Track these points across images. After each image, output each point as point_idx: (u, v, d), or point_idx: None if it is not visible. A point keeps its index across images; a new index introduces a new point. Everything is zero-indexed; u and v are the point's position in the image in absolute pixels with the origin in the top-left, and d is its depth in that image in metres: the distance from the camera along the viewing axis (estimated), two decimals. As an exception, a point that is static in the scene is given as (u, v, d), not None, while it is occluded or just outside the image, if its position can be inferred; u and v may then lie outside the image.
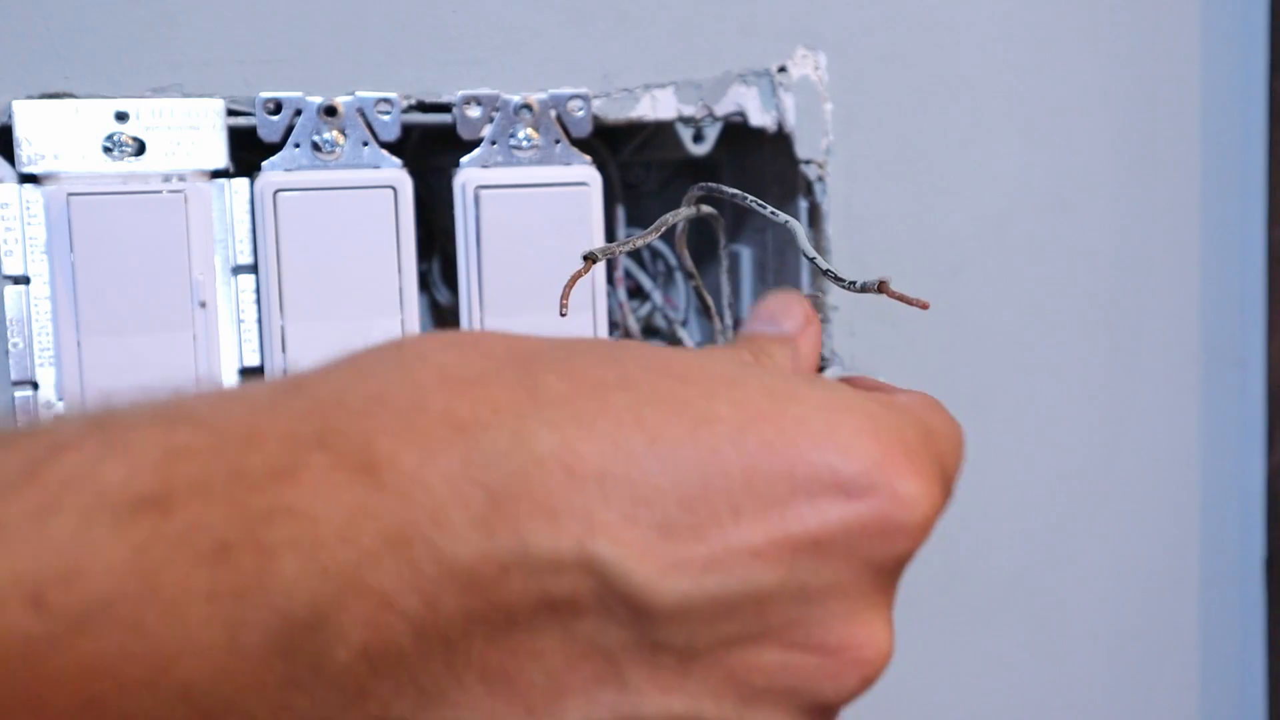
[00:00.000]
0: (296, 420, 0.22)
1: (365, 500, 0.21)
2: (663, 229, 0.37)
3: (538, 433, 0.22)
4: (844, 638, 0.24)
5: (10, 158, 0.47)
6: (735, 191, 0.37)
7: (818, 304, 0.58)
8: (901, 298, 0.32)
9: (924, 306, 0.32)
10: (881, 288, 0.32)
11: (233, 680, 0.20)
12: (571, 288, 0.33)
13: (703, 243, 0.63)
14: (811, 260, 0.35)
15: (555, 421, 0.23)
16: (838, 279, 0.34)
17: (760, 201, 0.37)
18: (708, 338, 0.62)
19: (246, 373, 0.50)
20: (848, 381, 0.32)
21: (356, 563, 0.20)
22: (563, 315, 0.33)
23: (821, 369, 0.59)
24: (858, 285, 0.33)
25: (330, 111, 0.49)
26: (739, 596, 0.23)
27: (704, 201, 0.40)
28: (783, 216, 0.36)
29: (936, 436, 0.26)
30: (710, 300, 0.47)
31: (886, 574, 0.25)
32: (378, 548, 0.21)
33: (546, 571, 0.22)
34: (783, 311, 0.32)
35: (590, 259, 0.34)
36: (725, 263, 0.46)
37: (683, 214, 0.39)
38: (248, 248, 0.49)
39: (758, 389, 0.24)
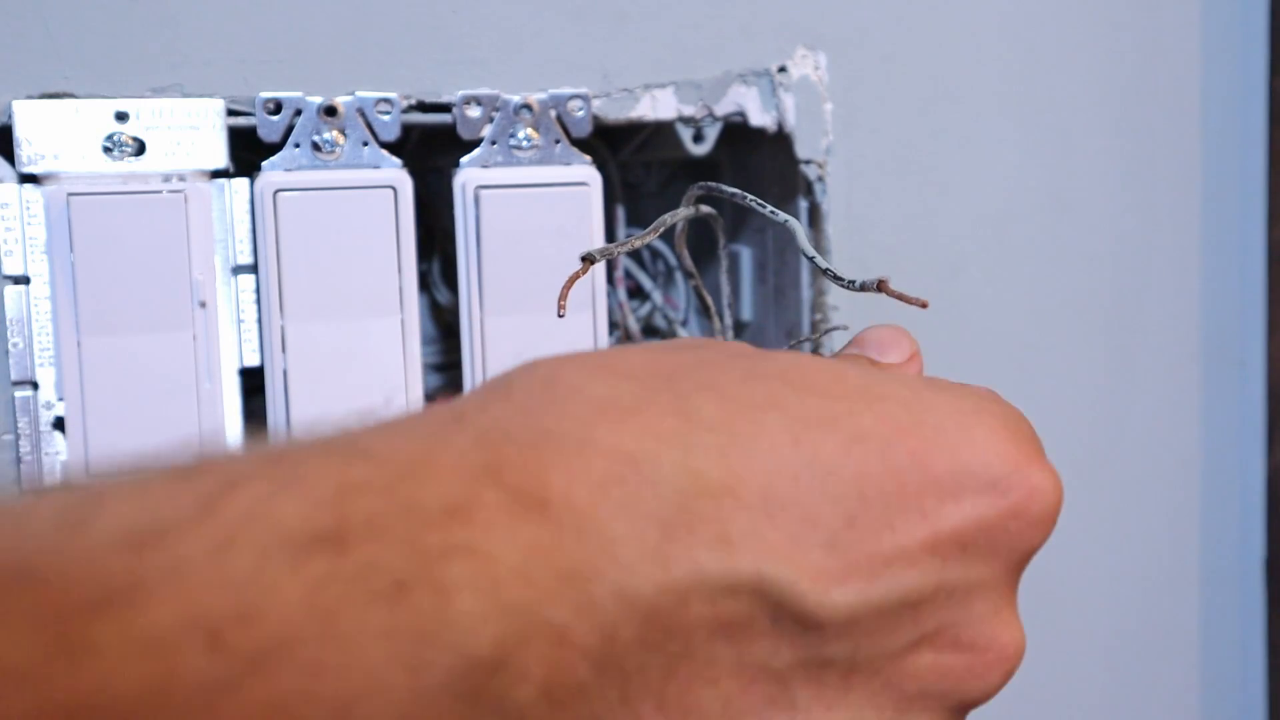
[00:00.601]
0: (466, 454, 0.22)
1: (541, 537, 0.21)
2: (661, 229, 0.37)
3: (702, 460, 0.23)
4: (989, 635, 0.26)
5: (10, 158, 0.47)
6: (735, 191, 0.37)
7: (817, 305, 0.58)
8: (901, 296, 0.32)
9: (923, 305, 0.32)
10: (881, 287, 0.32)
11: None
12: (569, 289, 0.33)
13: (702, 242, 0.63)
14: (811, 259, 0.35)
15: (716, 447, 0.23)
16: (837, 278, 0.34)
17: (760, 201, 0.37)
18: (707, 337, 0.62)
19: (246, 373, 0.50)
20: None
21: (536, 600, 0.20)
22: (560, 316, 0.33)
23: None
24: (857, 284, 0.33)
25: (330, 111, 0.49)
26: (898, 604, 0.24)
27: (703, 201, 0.40)
28: (782, 216, 0.36)
29: (1029, 423, 0.28)
30: (710, 300, 0.47)
31: (1019, 567, 0.26)
32: (556, 585, 0.21)
33: (722, 597, 0.22)
34: (890, 342, 0.33)
35: (588, 260, 0.34)
36: (725, 262, 0.46)
37: (681, 214, 0.39)
38: (248, 248, 0.49)
39: (896, 401, 0.25)
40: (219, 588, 0.18)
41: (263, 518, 0.19)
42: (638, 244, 0.36)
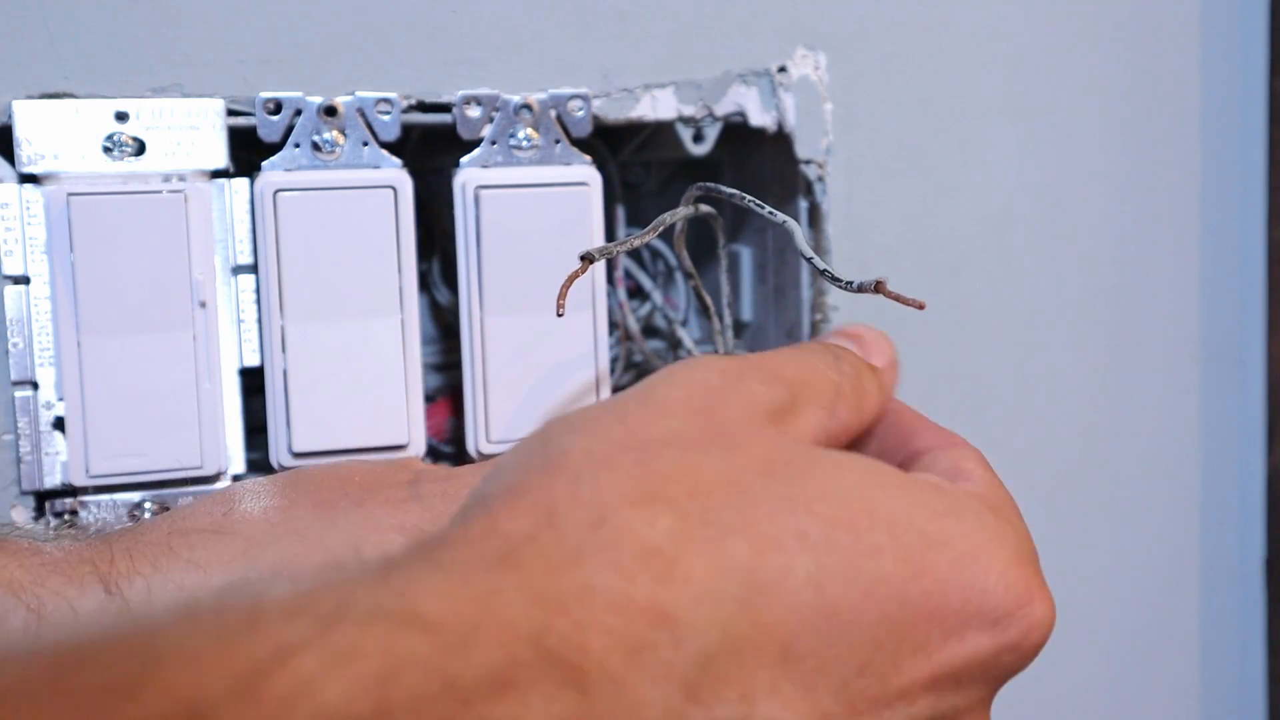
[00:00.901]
0: (515, 611, 0.22)
1: (576, 709, 0.22)
2: (660, 229, 0.37)
3: (731, 615, 0.24)
4: None
5: (10, 158, 0.47)
6: (734, 191, 0.37)
7: (817, 305, 0.58)
8: (898, 298, 0.32)
9: (920, 307, 0.32)
10: (878, 288, 0.32)
11: None
12: (568, 288, 0.33)
13: (702, 242, 0.63)
14: (809, 260, 0.35)
15: (745, 600, 0.24)
16: (835, 279, 0.34)
17: (758, 201, 0.37)
18: (707, 337, 0.62)
19: (246, 373, 0.50)
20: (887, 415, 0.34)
21: None
22: (559, 315, 0.33)
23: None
24: (855, 285, 0.33)
25: (330, 111, 0.49)
26: None
27: (703, 201, 0.39)
28: (780, 217, 0.36)
29: (1028, 531, 0.30)
30: (709, 300, 0.47)
31: (1001, 685, 0.28)
32: None
33: None
34: (875, 346, 0.34)
35: (587, 259, 0.34)
36: (724, 262, 0.46)
37: (680, 214, 0.39)
38: (248, 248, 0.49)
39: (917, 534, 0.26)
40: None
41: (308, 698, 0.19)
42: (636, 243, 0.36)
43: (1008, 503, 0.30)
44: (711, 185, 0.38)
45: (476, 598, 0.22)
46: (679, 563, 0.24)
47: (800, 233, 0.36)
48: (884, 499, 0.27)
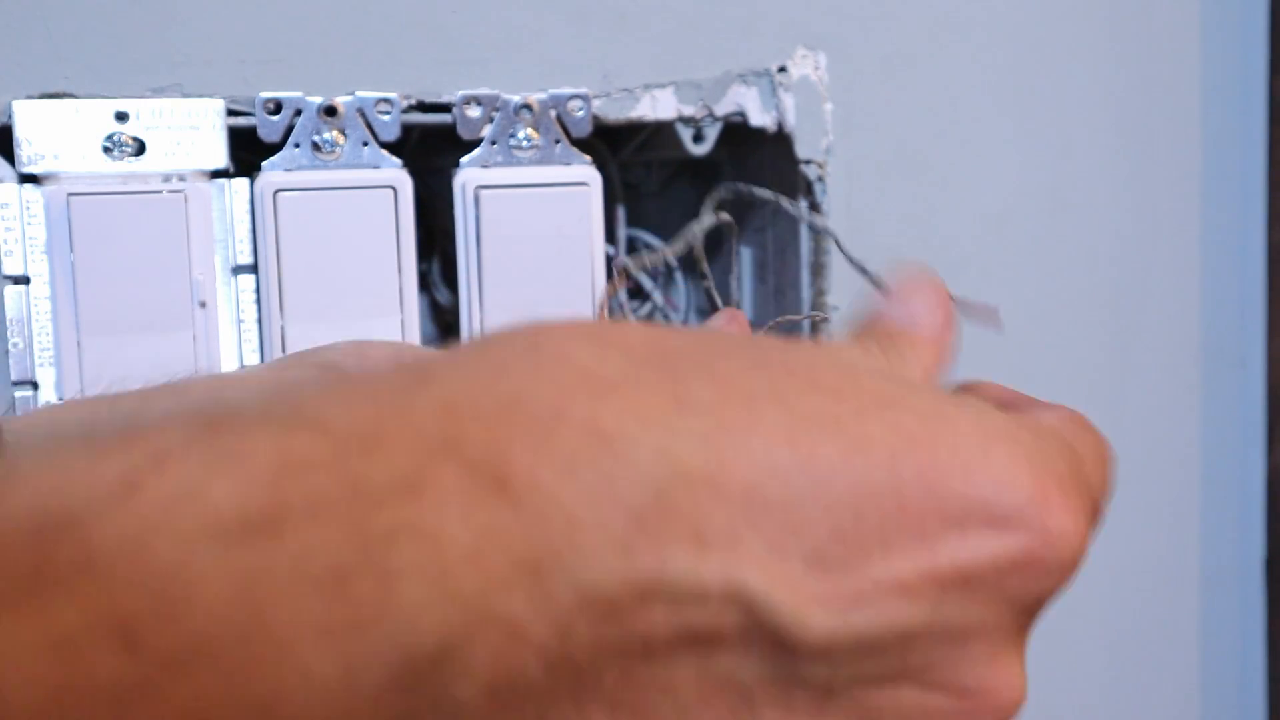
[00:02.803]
0: (425, 420, 0.20)
1: (497, 520, 0.19)
2: (690, 240, 0.37)
3: (685, 448, 0.21)
4: (982, 680, 0.23)
5: (10, 158, 0.47)
6: (767, 193, 0.37)
7: (817, 305, 0.58)
8: (972, 311, 0.31)
9: (995, 323, 0.31)
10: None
11: None
12: (607, 302, 0.33)
13: (705, 242, 0.63)
14: (853, 264, 0.34)
15: (703, 434, 0.21)
16: (877, 283, 0.34)
17: (793, 202, 0.37)
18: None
19: (246, 373, 0.50)
20: (980, 390, 0.31)
21: (486, 590, 0.19)
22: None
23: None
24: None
25: (330, 111, 0.49)
26: (884, 634, 0.22)
27: (732, 202, 0.39)
28: (820, 222, 0.36)
29: (1086, 463, 0.25)
30: (720, 302, 0.47)
31: (1028, 613, 0.24)
32: (509, 573, 0.19)
33: (689, 601, 0.20)
34: (924, 308, 0.30)
35: (624, 272, 0.34)
36: (736, 268, 0.46)
37: (706, 222, 0.39)
38: (248, 248, 0.49)
39: (910, 410, 0.23)
40: (136, 583, 0.17)
41: (191, 501, 0.18)
42: (669, 255, 0.36)
43: (1064, 433, 0.26)
44: (742, 186, 0.37)
45: (380, 406, 0.20)
46: (625, 388, 0.21)
47: (837, 240, 0.35)
48: (876, 377, 0.24)
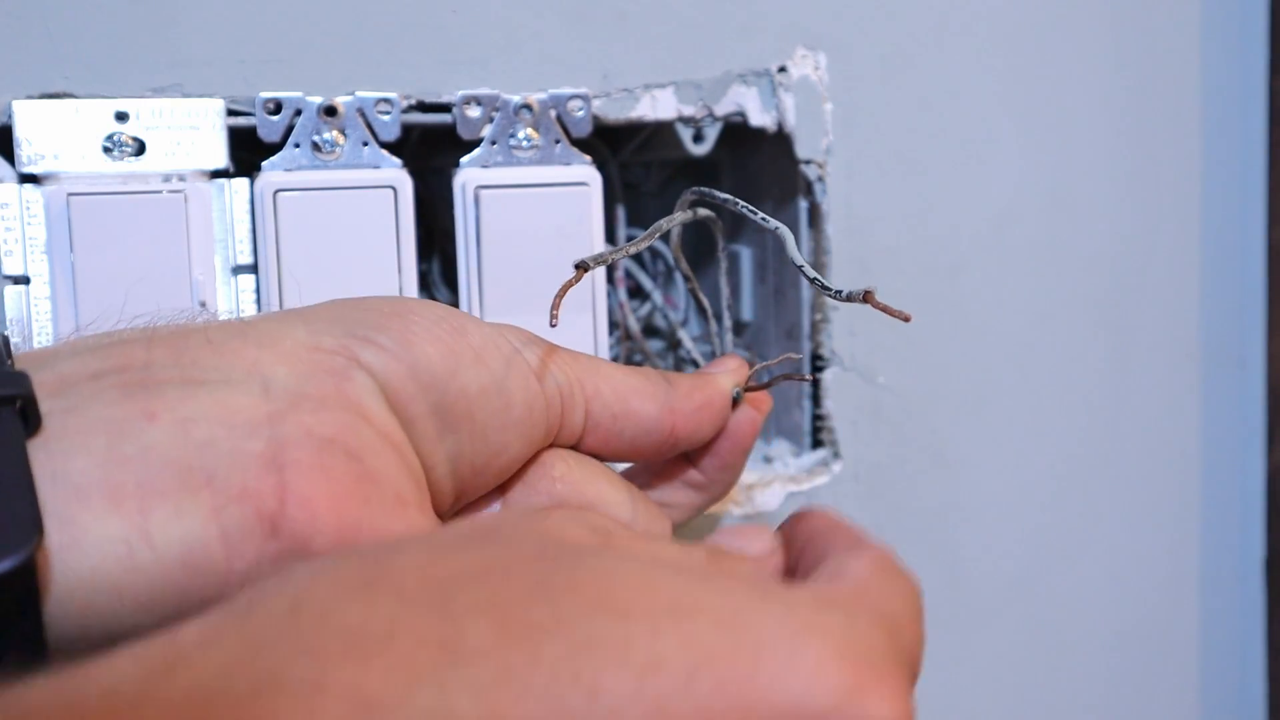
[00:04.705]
0: (171, 716, 0.18)
1: None
2: (656, 235, 0.37)
3: (458, 703, 0.19)
4: None
5: (10, 158, 0.47)
6: (726, 197, 0.37)
7: (817, 305, 0.58)
8: (885, 309, 0.32)
9: (906, 319, 0.32)
10: (867, 298, 0.32)
11: None
12: (563, 297, 0.33)
13: (703, 243, 0.63)
14: (799, 268, 0.35)
15: (478, 685, 0.20)
16: (825, 288, 0.34)
17: (751, 207, 0.37)
18: (706, 337, 0.62)
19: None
20: (808, 519, 0.31)
21: None
22: (553, 325, 0.33)
23: (820, 369, 0.59)
24: (844, 294, 0.33)
25: (330, 111, 0.49)
26: None
27: (698, 205, 0.40)
28: (773, 224, 0.36)
29: (899, 626, 0.25)
30: (706, 302, 0.47)
31: None
32: None
33: None
34: (750, 539, 0.31)
35: (582, 268, 0.34)
36: (724, 264, 0.46)
37: (677, 219, 0.39)
38: (248, 248, 0.49)
39: (708, 618, 0.22)
40: None
41: None
42: (632, 250, 0.36)
43: (877, 605, 0.25)
44: (706, 190, 0.38)
45: (126, 698, 0.19)
46: (393, 644, 0.20)
47: (792, 240, 0.36)
48: (674, 584, 0.23)
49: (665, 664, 0.21)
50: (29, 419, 0.26)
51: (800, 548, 0.30)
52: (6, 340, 0.29)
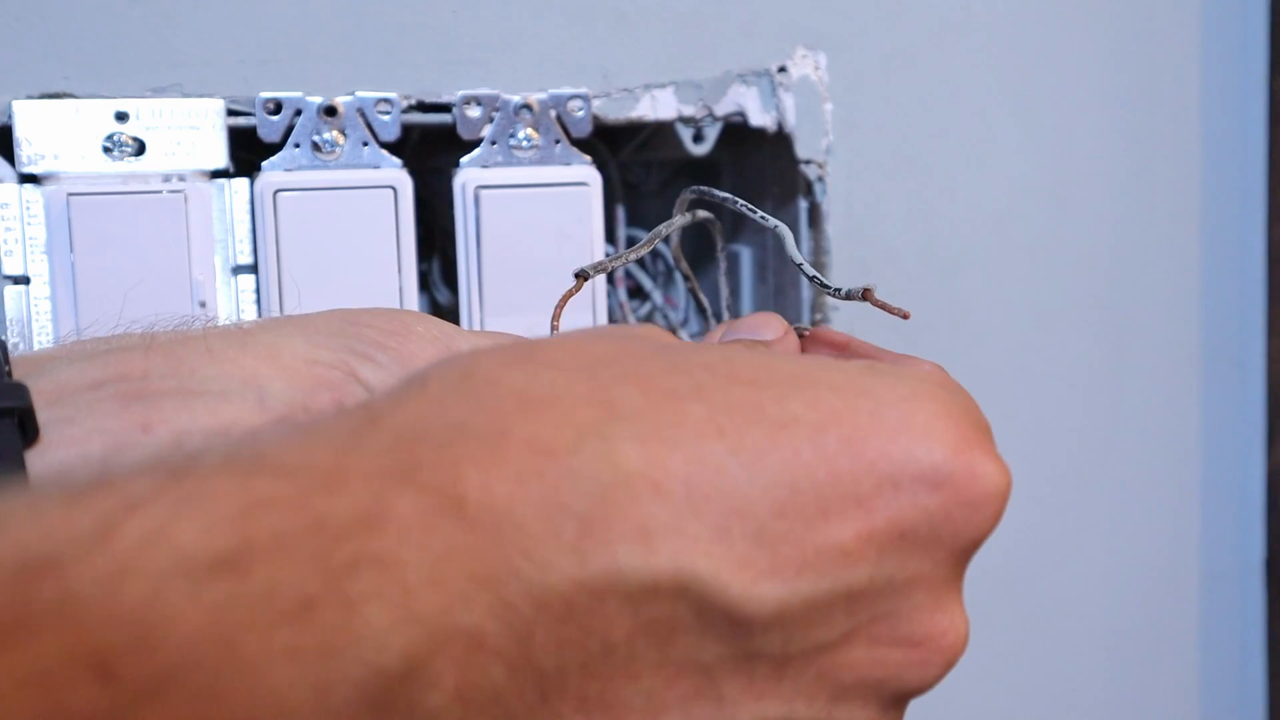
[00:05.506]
0: (380, 455, 0.21)
1: (454, 540, 0.20)
2: (656, 241, 0.37)
3: (622, 451, 0.22)
4: (929, 628, 0.25)
5: (10, 158, 0.47)
6: (726, 195, 0.37)
7: (817, 304, 0.58)
8: (884, 306, 0.32)
9: (905, 316, 0.32)
10: (865, 295, 0.32)
11: None
12: (563, 307, 0.33)
13: (702, 242, 0.63)
14: (799, 266, 0.35)
15: (638, 437, 0.22)
16: (824, 286, 0.34)
17: (750, 205, 0.37)
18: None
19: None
20: (841, 346, 0.33)
21: (447, 607, 0.20)
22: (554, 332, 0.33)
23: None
24: (843, 292, 0.33)
25: (330, 111, 0.49)
26: (832, 597, 0.23)
27: (696, 205, 0.40)
28: (772, 222, 0.36)
29: (977, 407, 0.27)
30: (705, 301, 0.47)
31: (964, 557, 0.25)
32: (469, 588, 0.20)
33: (642, 594, 0.22)
34: (761, 324, 0.33)
35: (582, 276, 0.34)
36: (723, 264, 0.46)
37: (676, 223, 0.39)
38: (248, 248, 0.49)
39: (827, 387, 0.24)
40: (112, 619, 0.18)
41: (163, 541, 0.18)
42: (632, 257, 0.36)
43: (955, 384, 0.28)
44: (705, 189, 0.38)
45: (337, 447, 0.21)
46: (559, 402, 0.22)
47: (790, 238, 0.36)
48: (789, 362, 0.25)
49: (795, 422, 0.23)
50: (27, 430, 0.26)
51: (829, 350, 0.33)
52: (4, 346, 0.29)
